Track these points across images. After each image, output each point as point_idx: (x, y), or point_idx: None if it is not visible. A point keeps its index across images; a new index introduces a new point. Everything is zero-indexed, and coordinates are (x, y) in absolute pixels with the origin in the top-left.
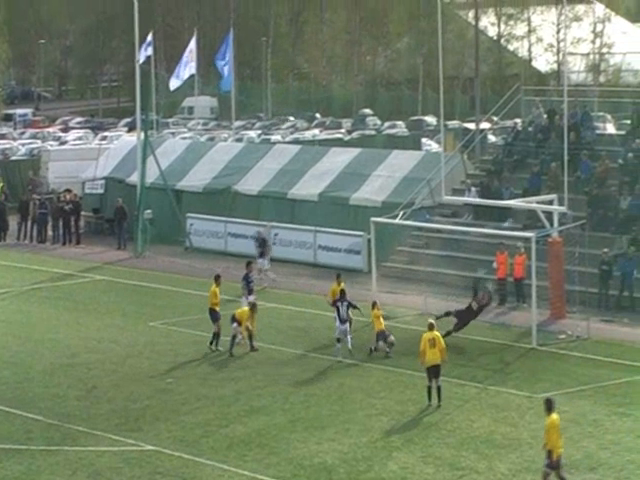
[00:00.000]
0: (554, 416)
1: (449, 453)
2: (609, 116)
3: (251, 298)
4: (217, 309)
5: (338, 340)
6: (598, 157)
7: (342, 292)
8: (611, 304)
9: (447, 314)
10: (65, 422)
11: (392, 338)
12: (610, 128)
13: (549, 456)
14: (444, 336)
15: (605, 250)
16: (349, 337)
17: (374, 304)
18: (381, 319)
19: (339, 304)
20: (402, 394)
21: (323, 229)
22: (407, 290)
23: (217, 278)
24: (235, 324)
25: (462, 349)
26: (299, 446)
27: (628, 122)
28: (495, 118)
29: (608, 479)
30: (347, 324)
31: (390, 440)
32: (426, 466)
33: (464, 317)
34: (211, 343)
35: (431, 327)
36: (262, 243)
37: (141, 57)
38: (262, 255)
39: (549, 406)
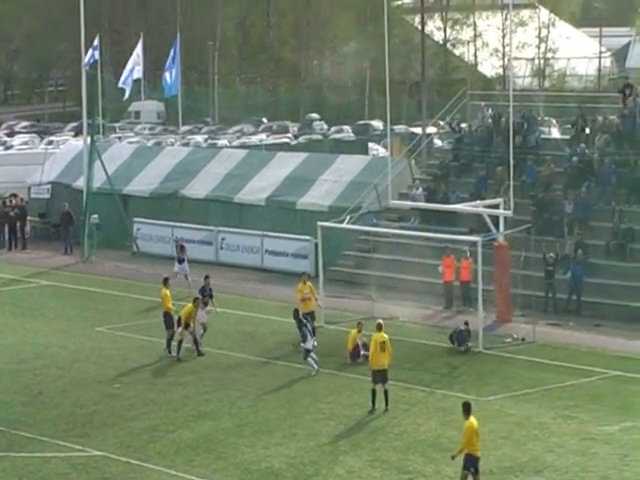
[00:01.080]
0: (472, 419)
1: (396, 457)
2: (554, 120)
3: (207, 309)
4: (172, 313)
5: (308, 351)
6: (543, 161)
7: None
8: (558, 307)
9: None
10: (12, 428)
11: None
12: (555, 132)
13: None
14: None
15: (551, 254)
16: (313, 354)
17: (359, 324)
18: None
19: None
20: (350, 398)
21: (270, 233)
22: (354, 294)
23: (165, 280)
24: (181, 328)
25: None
26: (247, 451)
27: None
28: (442, 122)
29: None
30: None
31: (337, 444)
32: (373, 470)
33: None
34: (168, 347)
35: (379, 327)
36: (180, 249)
37: (88, 61)
38: (181, 261)
39: (467, 410)
